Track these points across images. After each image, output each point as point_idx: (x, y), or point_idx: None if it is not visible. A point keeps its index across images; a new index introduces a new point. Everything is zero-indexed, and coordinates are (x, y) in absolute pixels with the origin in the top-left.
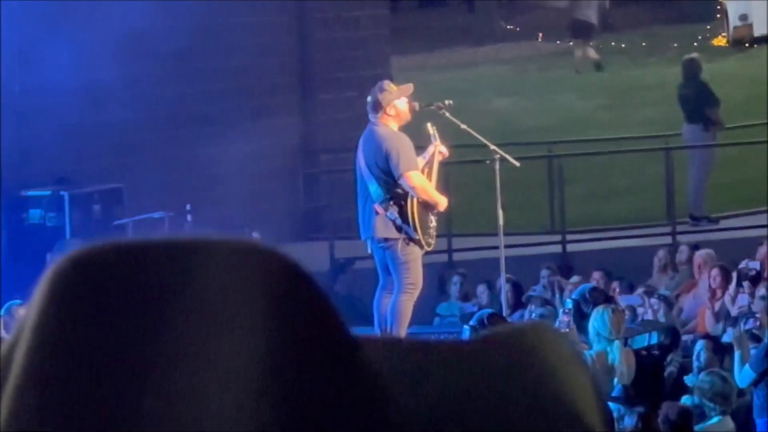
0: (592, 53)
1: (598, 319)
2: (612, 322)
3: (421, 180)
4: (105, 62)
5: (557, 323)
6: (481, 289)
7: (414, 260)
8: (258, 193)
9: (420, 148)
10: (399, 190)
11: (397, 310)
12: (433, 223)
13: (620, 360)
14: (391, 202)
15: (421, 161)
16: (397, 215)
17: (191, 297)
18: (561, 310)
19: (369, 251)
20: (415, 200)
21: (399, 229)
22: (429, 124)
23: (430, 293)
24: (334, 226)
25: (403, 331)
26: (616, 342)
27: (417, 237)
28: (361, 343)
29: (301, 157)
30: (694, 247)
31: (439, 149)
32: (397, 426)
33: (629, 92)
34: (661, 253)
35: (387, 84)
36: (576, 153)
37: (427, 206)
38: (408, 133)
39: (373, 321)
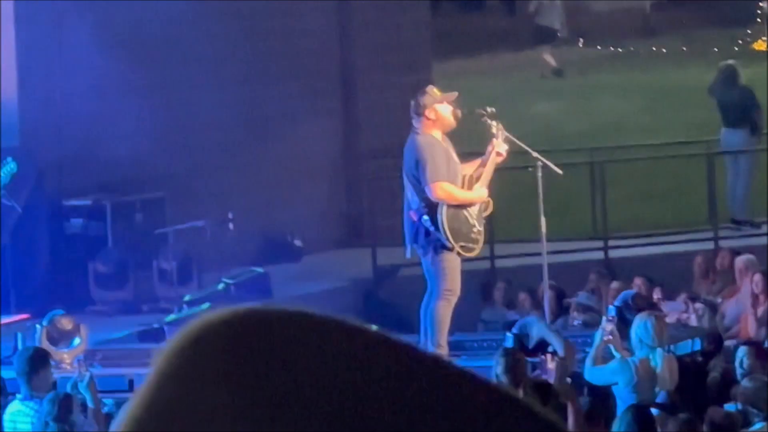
0: (551, 60)
1: (640, 326)
2: (655, 330)
3: (445, 191)
4: (145, 68)
5: (599, 330)
6: (523, 297)
7: (450, 267)
8: (300, 199)
9: (466, 155)
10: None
11: (435, 316)
12: (478, 228)
13: (663, 366)
14: (425, 210)
15: (469, 168)
16: (431, 223)
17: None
18: (604, 318)
19: (408, 257)
20: (445, 208)
21: (431, 235)
22: (495, 123)
23: (475, 299)
24: (376, 233)
25: (443, 337)
26: (659, 349)
27: (450, 245)
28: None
29: (343, 164)
30: (735, 252)
31: (497, 149)
32: None
33: (670, 96)
34: (699, 258)
35: (430, 88)
36: (617, 159)
37: (465, 209)
38: (454, 139)
39: (418, 328)
